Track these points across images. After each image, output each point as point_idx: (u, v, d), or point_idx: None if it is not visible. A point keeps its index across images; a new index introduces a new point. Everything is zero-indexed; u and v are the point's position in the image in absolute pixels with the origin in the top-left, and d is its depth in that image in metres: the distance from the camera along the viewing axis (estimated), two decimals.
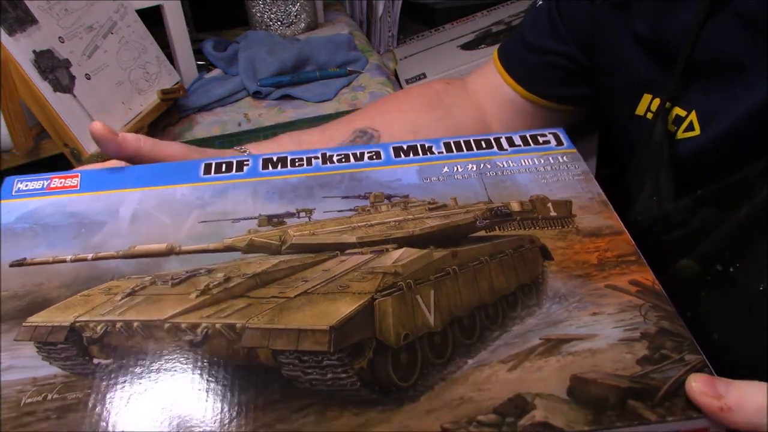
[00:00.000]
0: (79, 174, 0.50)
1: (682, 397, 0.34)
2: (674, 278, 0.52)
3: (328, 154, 0.52)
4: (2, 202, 0.48)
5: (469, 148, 0.52)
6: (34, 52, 0.79)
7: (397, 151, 0.52)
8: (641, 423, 0.33)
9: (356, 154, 0.52)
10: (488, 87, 0.75)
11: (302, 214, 0.47)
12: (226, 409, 0.34)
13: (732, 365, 0.38)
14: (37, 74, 0.79)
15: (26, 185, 0.49)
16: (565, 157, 0.51)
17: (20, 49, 0.77)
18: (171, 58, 1.06)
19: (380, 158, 0.52)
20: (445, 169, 0.50)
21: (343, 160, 0.51)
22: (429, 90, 0.76)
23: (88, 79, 0.86)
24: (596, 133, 0.81)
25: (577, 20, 0.65)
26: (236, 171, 0.51)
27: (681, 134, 0.54)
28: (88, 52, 0.87)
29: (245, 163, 0.51)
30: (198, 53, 1.16)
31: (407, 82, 1.21)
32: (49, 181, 0.49)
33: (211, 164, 0.51)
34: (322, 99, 1.09)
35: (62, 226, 0.46)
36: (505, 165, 0.50)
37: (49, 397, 0.35)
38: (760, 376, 0.35)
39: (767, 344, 0.46)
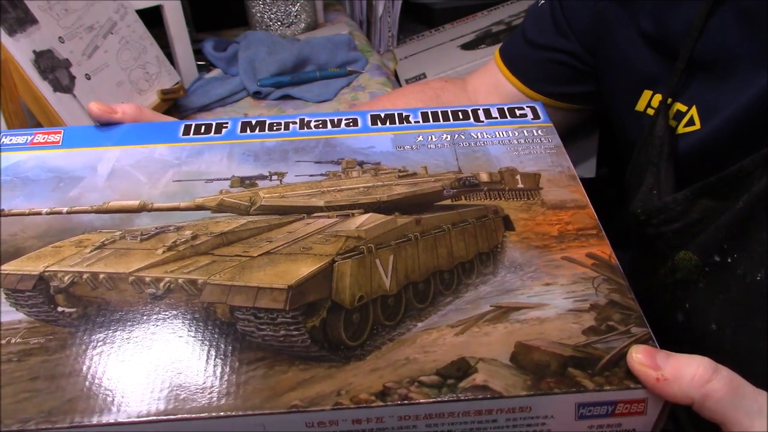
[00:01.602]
0: (62, 131, 0.51)
1: (623, 368, 0.35)
2: (673, 270, 0.52)
3: (306, 120, 0.53)
4: None
5: (446, 118, 0.53)
6: (34, 52, 0.79)
7: (374, 118, 0.53)
8: (578, 390, 0.34)
9: (333, 120, 0.52)
10: (489, 86, 0.75)
11: (274, 176, 0.48)
12: (179, 358, 0.36)
13: (730, 355, 0.37)
14: (37, 74, 0.79)
15: (11, 139, 0.50)
16: (540, 131, 0.51)
17: (20, 49, 0.77)
18: (171, 58, 1.05)
19: (357, 125, 0.52)
20: (420, 138, 0.51)
21: (321, 126, 0.52)
22: (426, 88, 0.76)
23: (88, 79, 0.86)
24: (596, 133, 0.81)
25: (580, 18, 0.65)
26: (215, 133, 0.51)
27: (681, 129, 0.54)
28: (88, 52, 0.87)
29: (224, 125, 0.52)
30: (198, 53, 1.16)
31: (407, 82, 1.19)
32: (32, 137, 0.51)
33: (190, 125, 0.52)
34: (322, 99, 1.09)
35: (41, 179, 0.47)
36: (479, 136, 0.51)
37: (12, 341, 0.37)
38: (758, 365, 0.35)
39: (765, 333, 0.46)
